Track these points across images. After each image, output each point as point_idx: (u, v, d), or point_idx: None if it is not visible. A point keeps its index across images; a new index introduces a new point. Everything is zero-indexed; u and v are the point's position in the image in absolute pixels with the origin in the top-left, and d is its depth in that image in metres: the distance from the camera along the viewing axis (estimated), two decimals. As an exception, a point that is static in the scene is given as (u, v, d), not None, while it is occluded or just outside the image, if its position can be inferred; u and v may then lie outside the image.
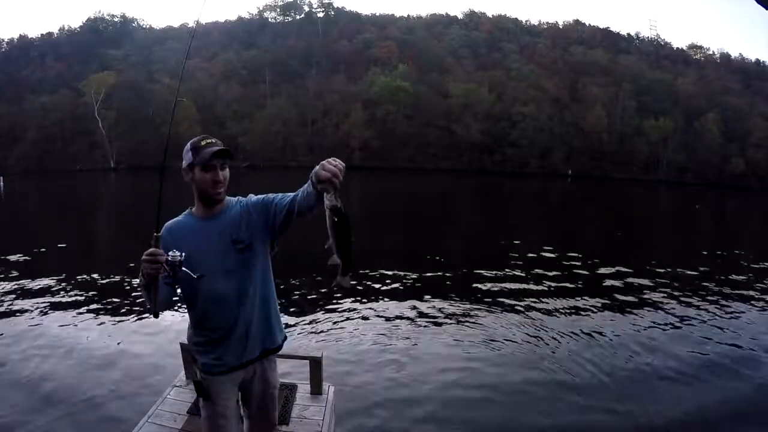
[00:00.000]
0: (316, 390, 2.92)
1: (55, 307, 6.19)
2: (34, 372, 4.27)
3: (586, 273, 8.77)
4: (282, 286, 7.10)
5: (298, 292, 6.98)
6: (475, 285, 7.69)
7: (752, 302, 7.29)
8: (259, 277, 1.84)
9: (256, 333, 1.88)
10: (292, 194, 1.74)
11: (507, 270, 8.80)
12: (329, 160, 1.51)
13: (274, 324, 1.96)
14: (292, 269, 7.75)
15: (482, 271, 8.69)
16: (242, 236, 1.78)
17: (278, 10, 65.00)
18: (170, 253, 1.63)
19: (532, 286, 7.72)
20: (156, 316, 1.72)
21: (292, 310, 6.20)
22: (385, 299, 6.81)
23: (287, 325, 5.65)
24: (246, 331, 1.84)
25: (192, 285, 1.72)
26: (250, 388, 1.98)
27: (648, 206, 25.74)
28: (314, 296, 6.80)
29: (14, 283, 7.30)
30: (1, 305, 6.25)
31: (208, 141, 1.75)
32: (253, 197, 1.86)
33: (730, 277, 8.94)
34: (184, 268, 1.66)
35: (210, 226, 1.80)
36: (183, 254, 1.65)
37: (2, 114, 44.98)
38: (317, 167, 1.52)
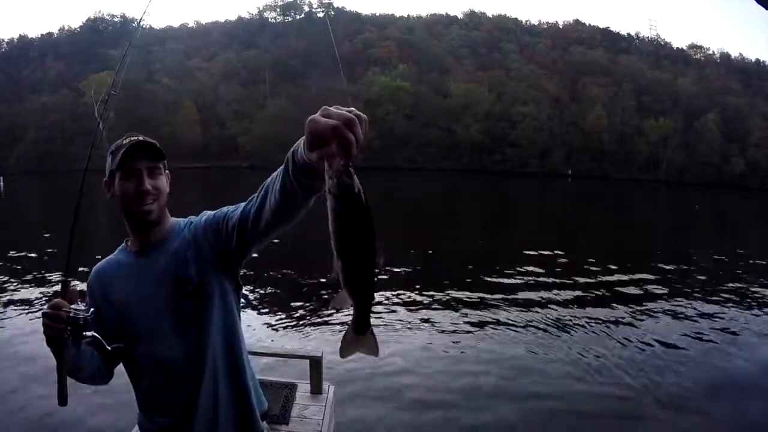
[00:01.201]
0: (316, 389, 2.93)
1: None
2: (31, 372, 4.27)
3: (587, 272, 8.76)
4: (280, 284, 7.12)
5: (296, 290, 6.97)
6: (476, 284, 7.69)
7: (751, 301, 7.30)
8: (218, 329, 1.25)
9: (227, 410, 1.28)
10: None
11: (507, 270, 8.80)
12: (335, 112, 0.74)
13: (251, 393, 1.33)
14: (289, 264, 7.76)
15: (483, 271, 8.69)
16: (190, 273, 1.21)
17: (278, 10, 65.11)
18: (72, 306, 1.10)
19: (532, 285, 7.72)
20: (63, 401, 1.15)
21: (291, 308, 6.20)
22: (386, 298, 6.80)
23: (286, 326, 5.66)
24: (213, 410, 1.26)
25: (125, 349, 1.20)
26: None
27: (648, 206, 25.77)
28: (314, 294, 6.79)
29: (13, 283, 7.31)
30: (1, 305, 6.26)
31: (132, 138, 1.22)
32: (207, 214, 1.25)
33: (730, 276, 8.95)
34: (91, 332, 1.11)
35: (146, 263, 1.24)
36: (91, 310, 1.12)
37: (2, 114, 45.08)
38: (314, 123, 0.75)
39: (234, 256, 1.19)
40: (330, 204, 0.74)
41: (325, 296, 6.69)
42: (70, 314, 1.09)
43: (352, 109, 0.77)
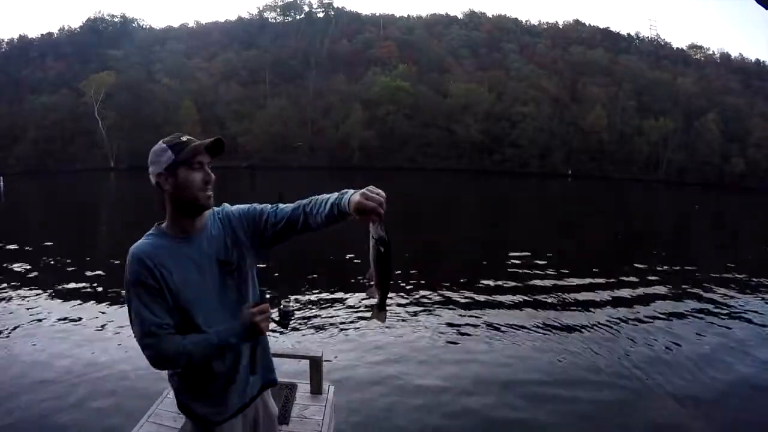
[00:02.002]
0: (316, 390, 2.92)
1: (55, 307, 6.20)
2: (33, 372, 4.28)
3: (587, 272, 8.76)
4: (280, 285, 7.12)
5: (297, 291, 6.98)
6: (476, 284, 7.69)
7: (750, 301, 7.30)
8: (251, 298, 1.53)
9: (259, 366, 1.57)
10: (290, 205, 1.47)
11: (507, 270, 8.81)
12: (371, 188, 1.31)
13: (269, 352, 1.65)
14: (291, 268, 7.76)
15: (483, 271, 8.70)
16: (230, 256, 1.47)
17: (278, 10, 65.03)
18: (283, 302, 1.58)
19: (532, 284, 7.72)
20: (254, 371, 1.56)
21: (292, 308, 6.20)
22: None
23: (287, 325, 5.66)
24: (249, 367, 1.54)
25: (190, 327, 1.41)
26: (255, 428, 1.67)
27: (648, 206, 25.76)
28: (314, 295, 6.80)
29: (13, 283, 7.31)
30: (1, 306, 6.26)
31: (188, 137, 1.44)
32: (231, 207, 1.55)
33: (730, 275, 8.94)
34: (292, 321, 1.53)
35: (193, 248, 1.43)
36: (295, 303, 1.55)
37: (2, 114, 44.96)
38: (355, 195, 1.32)
39: (269, 242, 1.51)
40: (372, 245, 1.34)
41: (325, 296, 6.72)
42: (281, 307, 1.60)
43: (381, 191, 1.30)
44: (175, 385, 1.53)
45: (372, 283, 1.40)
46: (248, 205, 1.53)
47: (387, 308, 1.47)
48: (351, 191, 1.36)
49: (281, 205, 1.48)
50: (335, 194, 1.39)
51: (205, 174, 1.41)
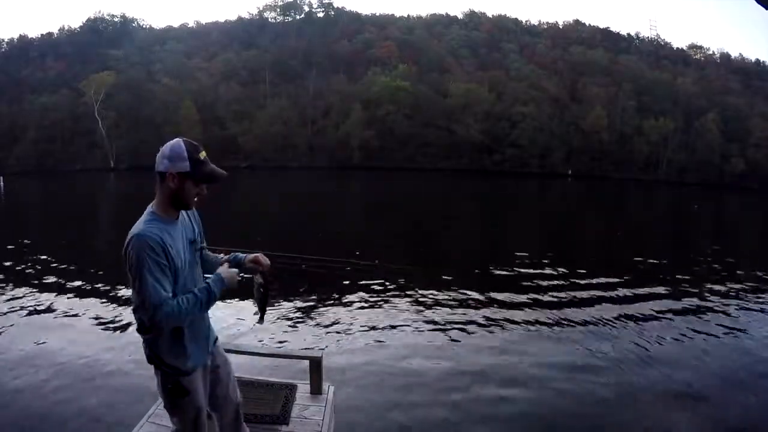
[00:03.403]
0: (316, 390, 2.92)
1: (55, 306, 6.20)
2: (33, 371, 4.28)
3: (587, 271, 8.76)
4: (282, 284, 7.13)
5: (296, 291, 6.98)
6: (476, 284, 7.69)
7: (750, 301, 7.30)
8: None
9: (210, 324, 2.04)
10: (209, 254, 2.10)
11: (507, 270, 8.80)
12: (263, 256, 2.01)
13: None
14: (291, 267, 7.75)
15: (483, 271, 8.70)
16: (197, 238, 1.94)
17: (278, 10, 64.95)
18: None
19: (533, 284, 7.72)
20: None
21: (292, 309, 6.20)
22: (386, 299, 6.82)
23: (286, 326, 5.67)
24: (209, 326, 2.01)
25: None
26: (217, 376, 2.05)
27: (648, 206, 25.76)
28: (314, 296, 6.80)
29: (13, 283, 7.30)
30: (1, 306, 6.26)
31: (204, 154, 1.79)
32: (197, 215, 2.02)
33: (729, 276, 8.95)
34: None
35: (178, 228, 1.84)
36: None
37: (2, 114, 44.92)
38: (252, 254, 2.03)
39: None
40: (257, 287, 2.02)
41: (325, 297, 6.73)
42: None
43: (269, 262, 2.01)
44: (151, 343, 1.81)
45: (256, 308, 2.06)
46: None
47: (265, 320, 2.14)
48: (242, 254, 2.06)
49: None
50: (230, 255, 2.08)
51: (200, 190, 1.82)
